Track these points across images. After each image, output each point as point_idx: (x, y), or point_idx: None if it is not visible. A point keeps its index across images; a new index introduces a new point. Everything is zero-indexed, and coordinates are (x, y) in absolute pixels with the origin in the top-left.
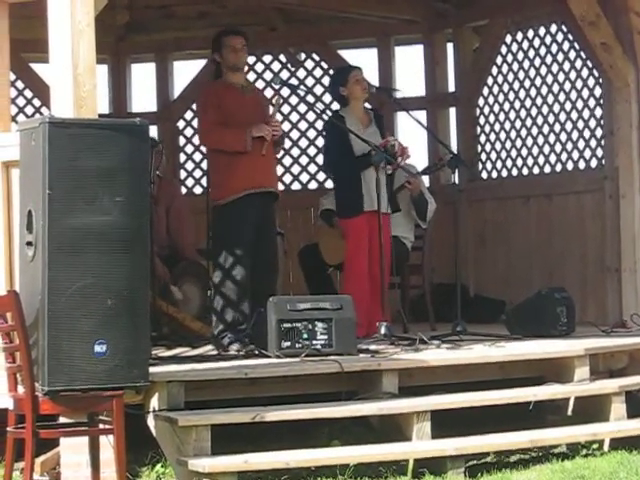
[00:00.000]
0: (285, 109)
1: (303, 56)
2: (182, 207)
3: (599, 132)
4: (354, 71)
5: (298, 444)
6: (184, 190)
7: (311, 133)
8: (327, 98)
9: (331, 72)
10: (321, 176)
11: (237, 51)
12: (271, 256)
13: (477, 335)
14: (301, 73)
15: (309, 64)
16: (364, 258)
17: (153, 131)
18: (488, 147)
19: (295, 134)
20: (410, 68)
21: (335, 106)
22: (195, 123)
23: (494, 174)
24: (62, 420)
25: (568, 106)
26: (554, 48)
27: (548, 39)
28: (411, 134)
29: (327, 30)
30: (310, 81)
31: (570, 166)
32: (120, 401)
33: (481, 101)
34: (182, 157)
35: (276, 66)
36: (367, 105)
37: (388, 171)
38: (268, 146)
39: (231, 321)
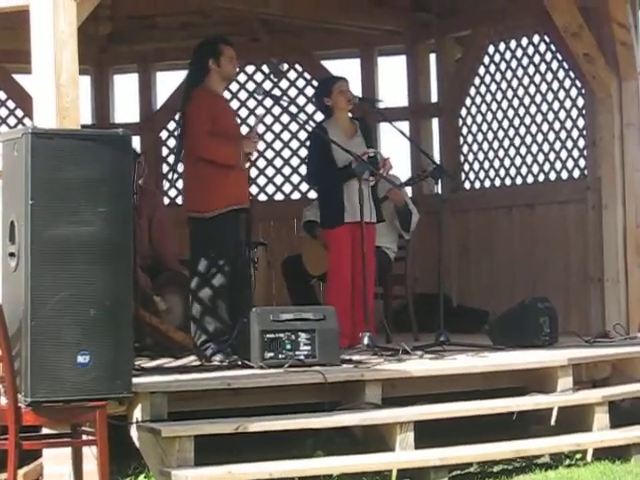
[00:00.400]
0: (268, 120)
1: (286, 67)
2: (164, 218)
3: (582, 142)
4: (339, 82)
5: (281, 455)
6: (166, 201)
7: (294, 144)
8: (310, 109)
9: (315, 83)
10: (304, 187)
11: (234, 61)
12: (247, 270)
13: (460, 345)
14: (284, 84)
15: (292, 75)
16: (347, 269)
17: (136, 142)
18: (471, 157)
19: (278, 145)
20: (393, 79)
21: (319, 116)
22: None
23: (477, 184)
24: (45, 431)
25: (551, 117)
26: (537, 58)
27: (531, 49)
28: (394, 145)
29: (310, 41)
30: (293, 92)
31: (553, 176)
32: (103, 412)
33: (464, 111)
34: (165, 168)
35: (259, 77)
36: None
37: (371, 182)
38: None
39: (213, 331)
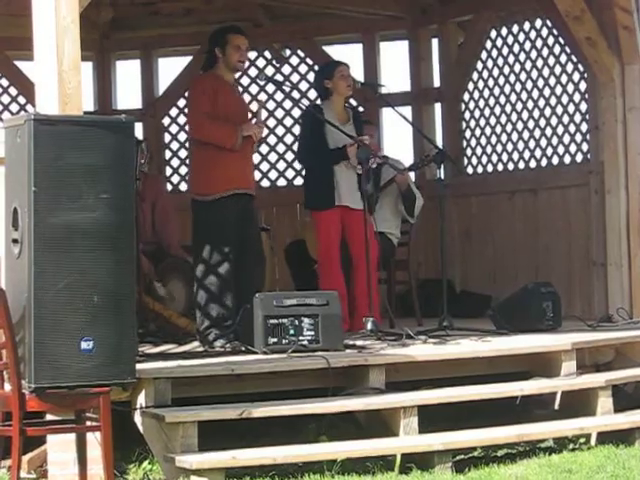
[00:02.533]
0: (270, 105)
1: (288, 52)
2: (168, 204)
3: (584, 127)
4: (341, 66)
5: (285, 440)
6: (169, 187)
7: (296, 129)
8: (313, 94)
9: (317, 67)
10: None
11: (241, 51)
12: (257, 252)
13: (464, 330)
14: (286, 69)
15: (294, 60)
16: (337, 252)
17: (138, 128)
18: (473, 142)
19: (280, 130)
20: (395, 64)
21: (317, 100)
22: (181, 120)
23: (479, 169)
24: (49, 417)
25: (553, 101)
26: (539, 43)
27: (533, 34)
28: (396, 129)
29: (312, 26)
30: (295, 77)
31: (555, 161)
32: (107, 398)
33: (466, 96)
34: (167, 154)
35: (261, 62)
36: (349, 102)
37: (358, 170)
38: (252, 145)
39: (216, 317)
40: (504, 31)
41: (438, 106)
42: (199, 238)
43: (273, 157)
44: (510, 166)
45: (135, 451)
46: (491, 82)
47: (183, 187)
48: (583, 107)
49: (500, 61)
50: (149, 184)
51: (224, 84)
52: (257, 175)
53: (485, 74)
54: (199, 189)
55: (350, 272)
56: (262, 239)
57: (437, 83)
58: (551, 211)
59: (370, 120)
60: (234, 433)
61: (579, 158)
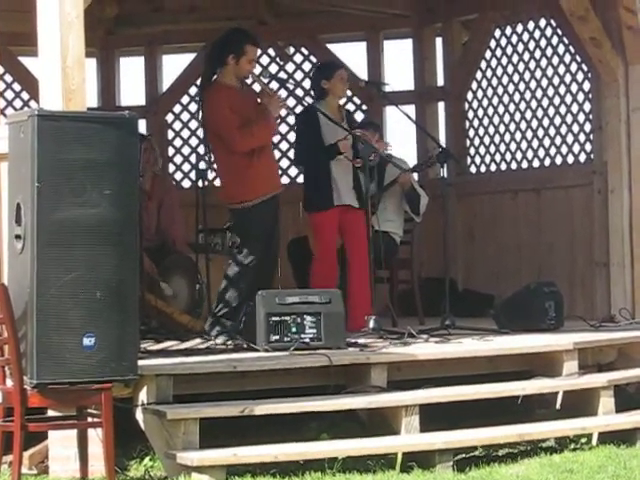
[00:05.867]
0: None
1: (292, 50)
2: (174, 202)
3: (588, 127)
4: (341, 69)
5: (287, 438)
6: (173, 183)
7: None
8: None
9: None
10: None
11: (253, 63)
12: (276, 255)
13: (466, 329)
14: (290, 67)
15: (298, 58)
16: (334, 253)
17: (142, 125)
18: (477, 141)
19: (284, 128)
20: (399, 62)
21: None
22: (184, 116)
23: (483, 169)
24: (51, 413)
25: (557, 101)
26: (543, 42)
27: (537, 33)
28: (400, 128)
29: (316, 24)
30: (299, 75)
31: (559, 161)
32: (109, 394)
33: (470, 95)
34: (171, 151)
35: (265, 60)
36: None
37: (357, 164)
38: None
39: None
40: (508, 30)
41: (442, 105)
42: (243, 243)
43: (276, 154)
44: (513, 165)
45: (136, 447)
46: (495, 81)
47: (186, 184)
48: (587, 107)
49: (504, 60)
50: (157, 183)
51: (234, 92)
52: None
53: (489, 73)
54: (235, 198)
55: (345, 270)
56: None
57: (441, 82)
58: (554, 211)
59: (373, 121)
60: (235, 430)
61: (582, 158)
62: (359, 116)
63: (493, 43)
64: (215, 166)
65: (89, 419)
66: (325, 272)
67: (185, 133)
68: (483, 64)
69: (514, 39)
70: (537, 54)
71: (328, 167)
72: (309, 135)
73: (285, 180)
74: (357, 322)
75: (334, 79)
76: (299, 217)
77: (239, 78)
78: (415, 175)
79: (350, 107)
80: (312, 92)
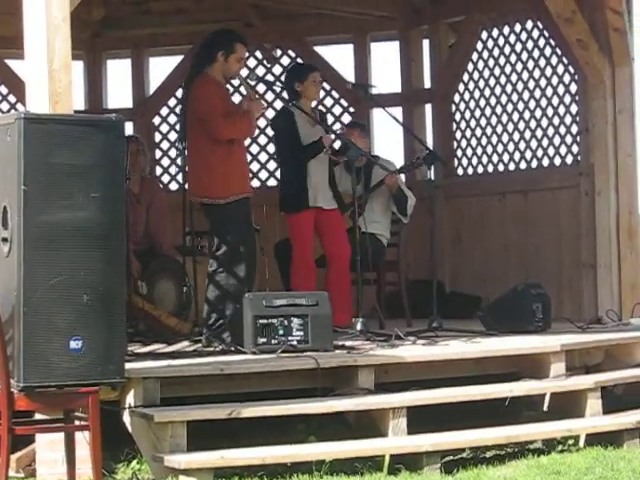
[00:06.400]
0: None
1: (279, 52)
2: (163, 205)
3: (575, 129)
4: (314, 72)
5: (274, 440)
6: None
7: None
8: None
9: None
10: None
11: (241, 63)
12: (253, 257)
13: (453, 331)
14: (277, 69)
15: (285, 60)
16: (311, 254)
17: (129, 127)
18: (464, 143)
19: (271, 131)
20: (386, 64)
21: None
22: (171, 119)
23: (470, 171)
24: (38, 417)
25: (544, 102)
26: (530, 44)
27: (524, 35)
28: (387, 130)
29: (303, 26)
30: None
31: (546, 162)
32: (96, 397)
33: (457, 97)
34: (158, 153)
35: (252, 62)
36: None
37: (340, 159)
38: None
39: (229, 314)
40: (495, 32)
41: (429, 107)
42: (219, 240)
43: (263, 157)
44: (501, 167)
45: (124, 451)
46: (482, 83)
47: (174, 186)
48: (573, 109)
49: (491, 62)
50: (146, 186)
51: (222, 86)
52: None
53: (476, 75)
54: (213, 193)
55: (326, 272)
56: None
57: (428, 84)
58: (541, 213)
59: (358, 121)
60: (223, 433)
61: (569, 160)
62: (346, 118)
63: (480, 45)
64: (190, 159)
65: (76, 422)
66: (304, 273)
67: (172, 136)
68: (470, 66)
69: (501, 41)
70: (524, 56)
71: (304, 168)
72: (286, 136)
73: (272, 182)
74: (337, 321)
75: (307, 82)
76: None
77: (226, 78)
78: (402, 176)
79: (337, 110)
80: (285, 94)
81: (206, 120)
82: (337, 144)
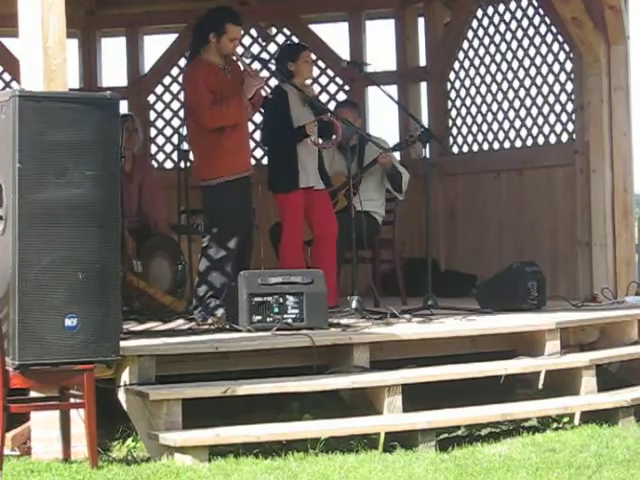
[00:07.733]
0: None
1: (274, 30)
2: (155, 183)
3: (570, 106)
4: (306, 51)
5: (269, 418)
6: (155, 164)
7: None
8: None
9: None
10: None
11: (235, 42)
12: (250, 238)
13: (448, 309)
14: (272, 47)
15: (280, 39)
16: (301, 234)
17: (123, 105)
18: (459, 121)
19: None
20: (381, 42)
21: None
22: (166, 97)
23: (465, 149)
24: (33, 394)
25: (539, 80)
26: (525, 22)
27: (519, 13)
28: (382, 109)
29: (298, 4)
30: None
31: (541, 140)
32: (91, 375)
33: (452, 75)
34: (153, 132)
35: (247, 40)
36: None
37: (325, 145)
38: (257, 102)
39: (219, 287)
40: (490, 10)
41: (424, 85)
42: (211, 222)
43: (258, 135)
44: (496, 145)
45: (119, 428)
46: (477, 61)
47: (168, 165)
48: (569, 87)
49: (486, 40)
50: (138, 164)
51: (215, 70)
52: None
53: (471, 53)
54: (205, 174)
55: (311, 251)
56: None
57: (423, 62)
58: (536, 191)
59: (351, 100)
60: (218, 411)
61: (564, 138)
62: (341, 97)
63: (475, 23)
64: (189, 141)
65: (71, 400)
66: (294, 253)
67: (167, 114)
68: (465, 44)
69: (496, 19)
70: (519, 34)
71: (294, 149)
72: (277, 116)
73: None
74: None
75: (299, 60)
76: None
77: (223, 56)
78: (397, 155)
79: (332, 88)
80: (279, 74)
81: (193, 109)
82: (321, 127)
